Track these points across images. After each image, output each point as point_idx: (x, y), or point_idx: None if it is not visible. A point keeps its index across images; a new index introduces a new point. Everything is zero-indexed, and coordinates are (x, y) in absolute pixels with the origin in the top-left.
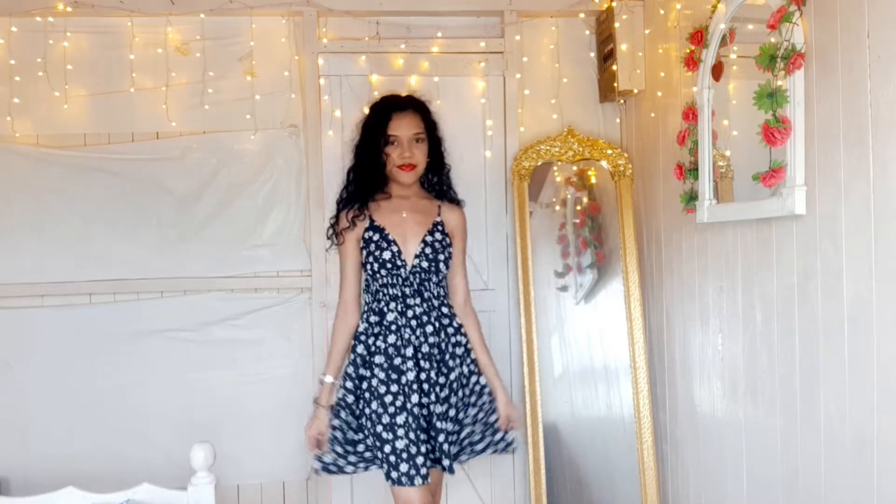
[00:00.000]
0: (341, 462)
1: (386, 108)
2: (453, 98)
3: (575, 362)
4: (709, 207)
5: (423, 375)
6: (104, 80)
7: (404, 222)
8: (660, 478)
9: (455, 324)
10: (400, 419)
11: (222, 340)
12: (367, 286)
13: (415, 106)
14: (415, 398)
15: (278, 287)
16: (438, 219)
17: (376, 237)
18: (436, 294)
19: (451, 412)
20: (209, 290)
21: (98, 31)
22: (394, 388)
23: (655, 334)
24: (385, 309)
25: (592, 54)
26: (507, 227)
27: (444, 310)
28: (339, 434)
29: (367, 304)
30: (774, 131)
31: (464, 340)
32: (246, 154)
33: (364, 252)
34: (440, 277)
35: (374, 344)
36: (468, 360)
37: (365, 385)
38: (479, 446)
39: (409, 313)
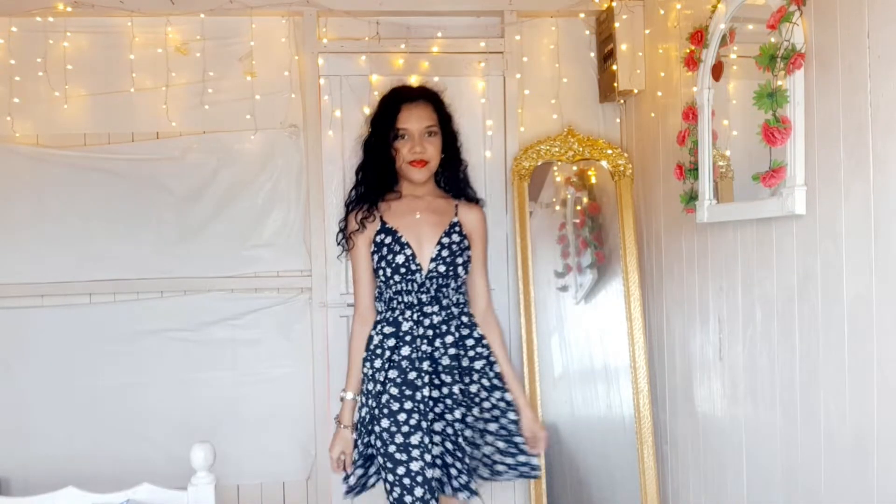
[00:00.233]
0: (364, 480)
1: (395, 100)
2: (453, 98)
3: (575, 362)
4: (709, 207)
5: (444, 390)
6: (104, 80)
7: (418, 223)
8: (660, 478)
9: (476, 334)
10: (415, 439)
11: (222, 340)
12: (380, 294)
13: (426, 96)
14: (432, 417)
15: (278, 287)
16: (455, 219)
17: (388, 240)
18: (455, 301)
19: (468, 432)
20: (209, 290)
21: (98, 31)
22: (408, 405)
23: (655, 334)
24: (400, 318)
25: (592, 54)
26: (507, 227)
27: (465, 318)
28: (358, 456)
29: (380, 313)
30: (774, 131)
31: (485, 352)
32: (246, 154)
33: (375, 257)
34: (459, 283)
35: (389, 357)
36: (491, 374)
37: (377, 402)
38: (500, 467)
39: (427, 322)
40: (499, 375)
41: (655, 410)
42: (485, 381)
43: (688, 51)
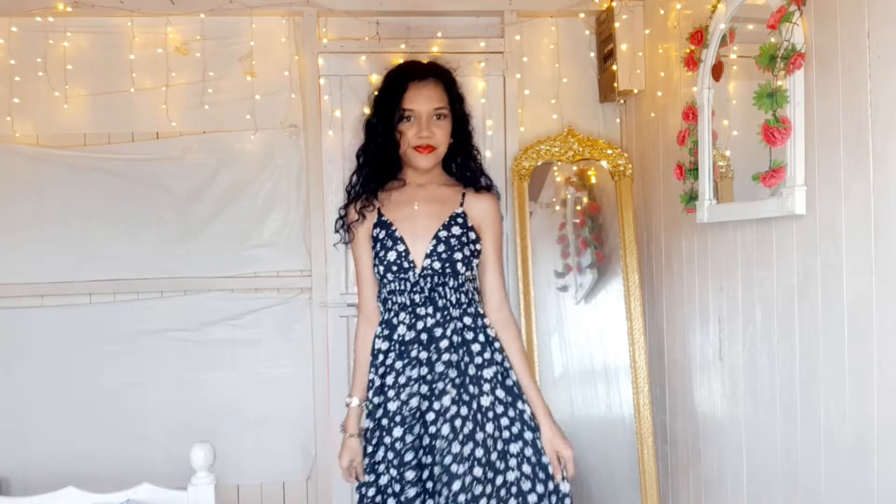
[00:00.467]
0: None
1: (402, 77)
2: None
3: (575, 362)
4: (709, 207)
5: (434, 405)
6: (104, 80)
7: (416, 216)
8: (660, 478)
9: (483, 337)
10: (378, 454)
11: (222, 340)
12: (379, 295)
13: (436, 74)
14: (398, 431)
15: (278, 287)
16: (459, 209)
17: (382, 234)
18: (454, 301)
19: (479, 452)
20: (209, 290)
21: (98, 31)
22: (387, 438)
23: (655, 334)
24: (395, 321)
25: (592, 54)
26: (507, 227)
27: (468, 320)
28: (368, 468)
29: (380, 314)
30: (774, 131)
31: (498, 357)
32: (246, 154)
33: (372, 253)
34: (461, 281)
35: (385, 363)
36: (508, 382)
37: (380, 413)
38: (532, 497)
39: (419, 325)
40: (515, 384)
41: (655, 410)
42: (500, 392)
43: (688, 51)
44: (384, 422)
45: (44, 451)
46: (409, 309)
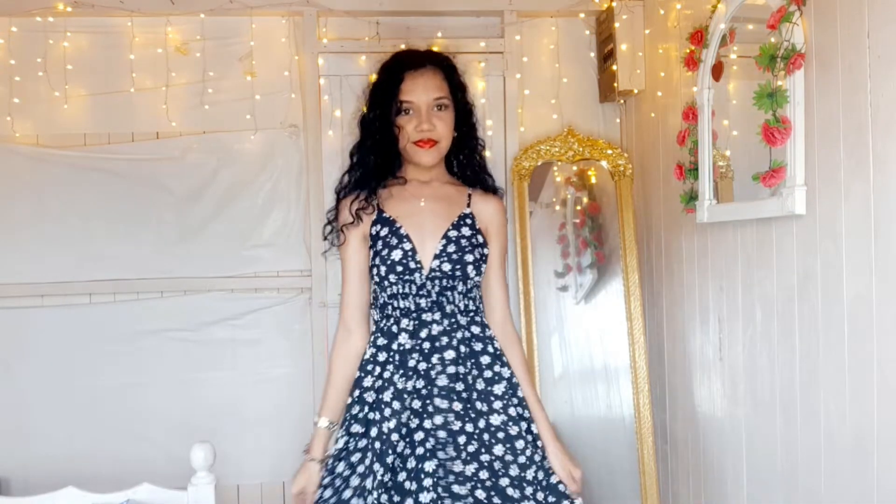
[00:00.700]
0: None
1: (397, 67)
2: None
3: (575, 362)
4: (709, 207)
5: (437, 420)
6: (104, 80)
7: (421, 212)
8: (660, 478)
9: (492, 350)
10: (358, 481)
11: (222, 340)
12: (375, 300)
13: (435, 61)
14: (390, 457)
15: (278, 287)
16: (467, 210)
17: (384, 232)
18: (462, 308)
19: (484, 474)
20: (209, 290)
21: (98, 31)
22: (361, 442)
23: (655, 334)
24: (395, 328)
25: (592, 54)
26: (508, 228)
27: (476, 329)
28: (329, 495)
29: (375, 322)
30: (774, 131)
31: (507, 373)
32: (246, 154)
33: (371, 252)
34: (469, 286)
35: (383, 376)
36: (515, 400)
37: (374, 431)
38: None
39: (423, 333)
40: (523, 401)
41: (655, 410)
42: (512, 411)
43: (688, 51)
44: (377, 445)
45: (44, 451)
46: (414, 314)
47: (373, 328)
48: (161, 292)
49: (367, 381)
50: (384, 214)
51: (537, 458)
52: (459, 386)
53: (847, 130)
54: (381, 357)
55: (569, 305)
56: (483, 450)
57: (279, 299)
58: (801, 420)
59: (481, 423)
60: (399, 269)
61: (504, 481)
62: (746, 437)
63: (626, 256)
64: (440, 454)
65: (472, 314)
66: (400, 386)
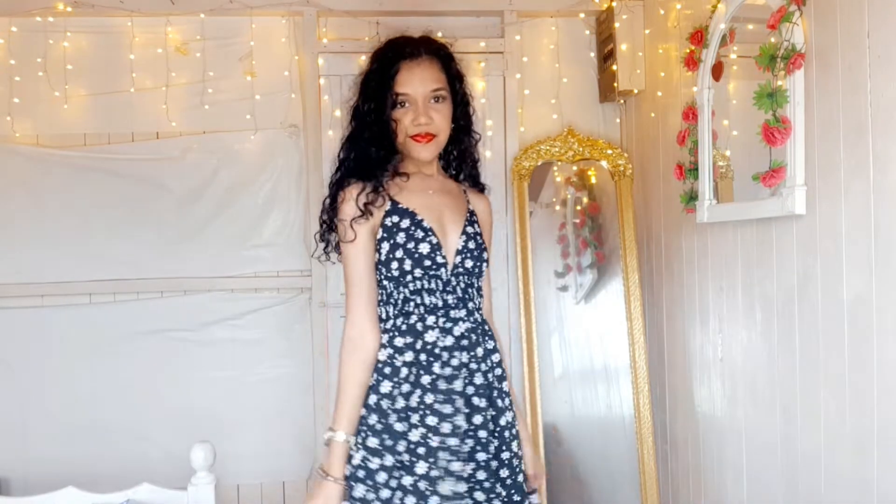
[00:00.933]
0: None
1: (392, 56)
2: None
3: (575, 362)
4: (709, 207)
5: (479, 418)
6: (104, 80)
7: (439, 206)
8: (660, 478)
9: (498, 346)
10: (444, 489)
11: (222, 340)
12: (388, 297)
13: (431, 50)
14: (466, 448)
15: (278, 287)
16: (470, 207)
17: (405, 223)
18: (478, 305)
19: (504, 472)
20: (209, 290)
21: (98, 31)
22: (435, 441)
23: (655, 334)
24: (419, 326)
25: (592, 54)
26: (507, 227)
27: (487, 327)
28: None
29: (385, 321)
30: (774, 131)
31: (505, 370)
32: (246, 154)
33: (386, 245)
34: (480, 283)
35: (410, 379)
36: (509, 400)
37: (402, 445)
38: None
39: (456, 331)
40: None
41: (655, 410)
42: (513, 408)
43: (688, 51)
44: (405, 457)
45: (44, 451)
46: (442, 311)
47: (387, 327)
48: (161, 292)
49: (385, 387)
50: (400, 206)
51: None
52: (485, 381)
53: (847, 130)
54: (405, 358)
55: (569, 305)
56: (503, 447)
57: (279, 299)
58: (801, 420)
59: (502, 421)
60: (427, 262)
61: (520, 477)
62: (746, 437)
63: (626, 256)
64: (478, 456)
65: (480, 311)
66: (442, 386)
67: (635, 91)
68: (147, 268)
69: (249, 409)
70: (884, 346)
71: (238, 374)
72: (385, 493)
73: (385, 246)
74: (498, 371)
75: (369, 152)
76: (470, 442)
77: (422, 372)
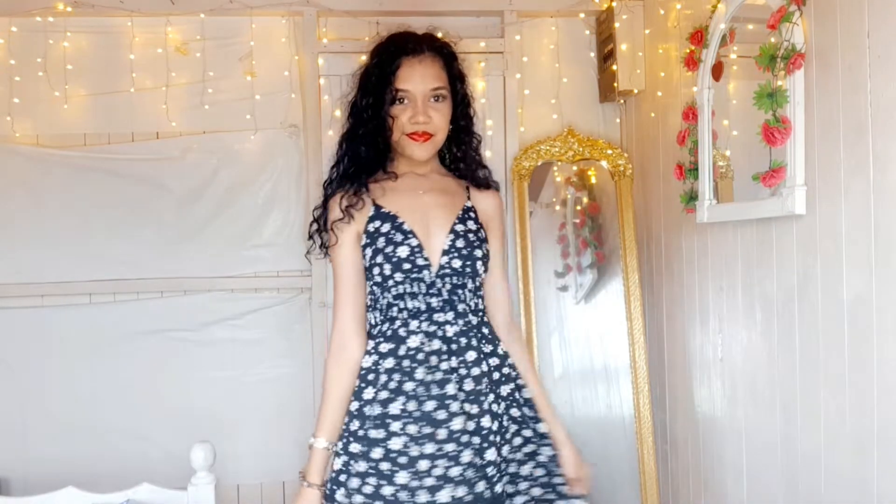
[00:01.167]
0: None
1: (393, 52)
2: None
3: (575, 362)
4: (709, 207)
5: (472, 424)
6: (104, 80)
7: (424, 206)
8: (660, 478)
9: (501, 350)
10: (443, 496)
11: (222, 340)
12: (375, 301)
13: (434, 48)
14: (466, 456)
15: (278, 287)
16: (469, 203)
17: (385, 228)
18: (473, 307)
19: (490, 470)
20: (209, 290)
21: (98, 31)
22: (429, 448)
23: (655, 334)
24: (402, 331)
25: (592, 54)
26: (507, 227)
27: (486, 330)
28: None
29: (374, 326)
30: (774, 131)
31: (513, 374)
32: (246, 154)
33: (369, 251)
34: (477, 283)
35: (389, 386)
36: (521, 400)
37: (377, 453)
38: None
39: (440, 334)
40: (529, 402)
41: (655, 410)
42: (514, 411)
43: (688, 51)
44: (383, 465)
45: (44, 451)
46: (425, 315)
47: (372, 333)
48: (161, 292)
49: (368, 393)
50: (383, 209)
51: (541, 457)
52: (479, 386)
53: (847, 130)
54: (386, 364)
55: (569, 305)
56: (493, 448)
57: (279, 299)
58: (801, 420)
59: (494, 425)
60: (406, 266)
61: (502, 480)
62: (746, 437)
63: (626, 256)
64: (474, 460)
65: (481, 314)
66: (425, 391)
67: (635, 91)
68: (147, 268)
69: (249, 409)
70: (884, 346)
71: (238, 374)
72: (359, 500)
73: (368, 252)
74: (496, 375)
75: (362, 153)
76: (465, 447)
77: (405, 378)
